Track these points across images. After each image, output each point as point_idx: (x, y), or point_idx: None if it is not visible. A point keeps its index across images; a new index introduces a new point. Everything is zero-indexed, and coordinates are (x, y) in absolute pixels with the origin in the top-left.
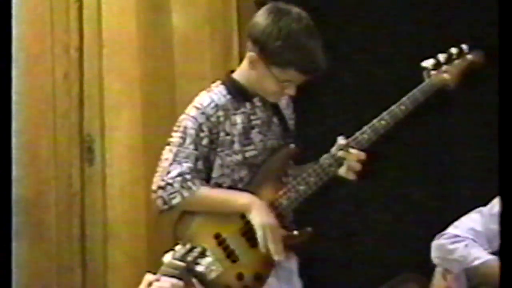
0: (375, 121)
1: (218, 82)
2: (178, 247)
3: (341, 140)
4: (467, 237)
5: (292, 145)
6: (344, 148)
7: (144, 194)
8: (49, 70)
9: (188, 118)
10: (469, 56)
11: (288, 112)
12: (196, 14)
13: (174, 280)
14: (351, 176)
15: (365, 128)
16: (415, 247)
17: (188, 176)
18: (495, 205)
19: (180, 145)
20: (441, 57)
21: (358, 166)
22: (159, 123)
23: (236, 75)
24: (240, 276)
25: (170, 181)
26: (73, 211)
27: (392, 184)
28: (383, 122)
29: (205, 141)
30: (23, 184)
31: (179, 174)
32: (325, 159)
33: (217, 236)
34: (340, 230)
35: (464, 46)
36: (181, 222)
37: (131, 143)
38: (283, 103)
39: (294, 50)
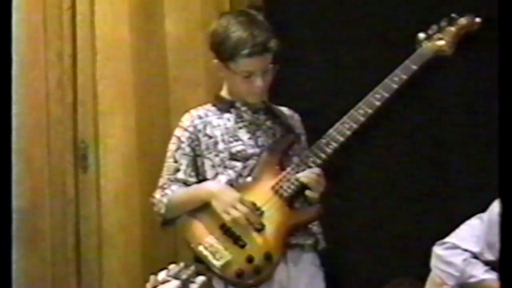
0: (369, 95)
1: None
2: (171, 266)
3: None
4: (467, 250)
5: (290, 135)
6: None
7: (139, 201)
8: (42, 77)
9: (172, 137)
10: (460, 21)
11: (294, 123)
12: (190, 20)
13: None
14: (314, 195)
15: (359, 104)
16: (412, 251)
17: (165, 186)
18: (494, 209)
19: (165, 162)
20: (433, 28)
21: (314, 183)
22: (153, 130)
23: (221, 93)
24: (250, 259)
25: (155, 194)
26: (67, 219)
27: (389, 188)
28: (377, 95)
29: (187, 150)
30: (17, 191)
31: (160, 186)
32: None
33: (222, 226)
34: (335, 233)
35: (453, 15)
36: (187, 226)
37: (125, 150)
38: (286, 114)
39: (235, 39)
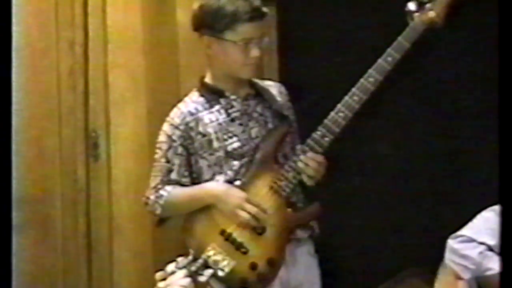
0: (362, 80)
1: (193, 90)
2: (180, 258)
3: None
4: (483, 243)
5: (283, 125)
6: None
7: None
8: (54, 66)
9: (161, 133)
10: None
11: (281, 99)
12: None
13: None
14: (311, 183)
15: (353, 90)
16: (423, 241)
17: (159, 186)
18: None
19: (156, 160)
20: None
21: (312, 172)
22: (164, 119)
23: (206, 79)
24: (253, 266)
25: (148, 195)
26: (78, 207)
27: (395, 178)
28: (371, 79)
29: (179, 150)
30: (29, 180)
31: (153, 187)
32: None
33: (223, 232)
34: (345, 223)
35: None
36: (186, 229)
37: (136, 139)
38: (274, 91)
39: (233, 6)
